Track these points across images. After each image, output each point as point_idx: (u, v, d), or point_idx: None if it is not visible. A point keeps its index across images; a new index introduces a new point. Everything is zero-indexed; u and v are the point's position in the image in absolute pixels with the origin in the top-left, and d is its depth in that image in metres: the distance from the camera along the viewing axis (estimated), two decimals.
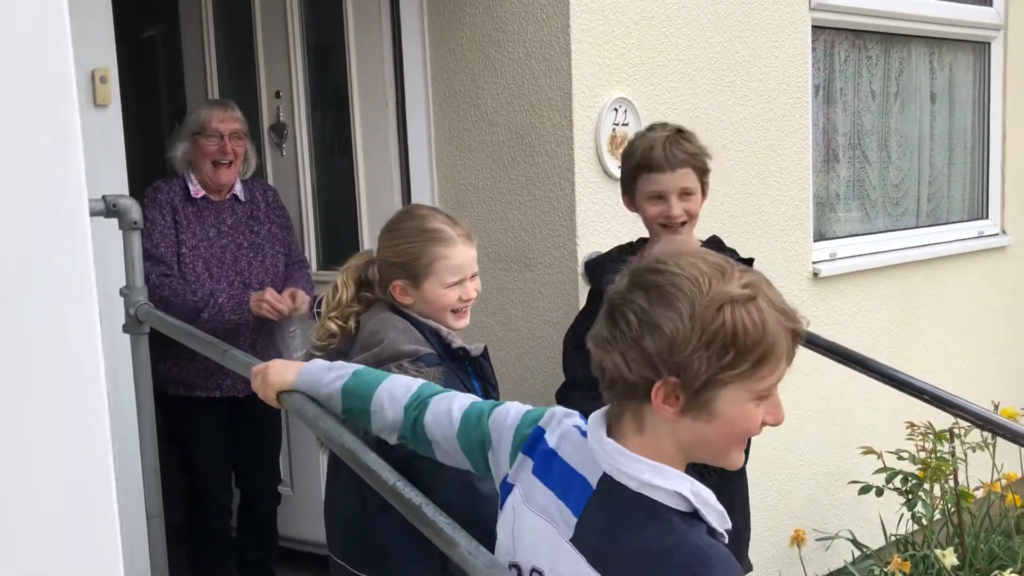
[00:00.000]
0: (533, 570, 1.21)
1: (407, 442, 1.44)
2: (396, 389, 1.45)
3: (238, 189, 2.99)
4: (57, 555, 0.85)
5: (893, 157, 3.90)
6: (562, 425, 1.26)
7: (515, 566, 1.23)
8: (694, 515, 1.14)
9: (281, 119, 3.34)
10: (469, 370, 1.84)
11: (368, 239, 3.16)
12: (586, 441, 1.20)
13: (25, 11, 0.83)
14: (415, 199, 3.03)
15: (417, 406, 1.41)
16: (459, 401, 1.39)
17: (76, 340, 0.82)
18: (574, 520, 1.16)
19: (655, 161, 2.19)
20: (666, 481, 1.13)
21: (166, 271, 2.80)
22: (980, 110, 4.21)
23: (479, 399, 1.42)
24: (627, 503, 1.13)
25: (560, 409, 1.29)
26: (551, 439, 1.24)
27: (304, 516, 3.22)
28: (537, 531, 1.20)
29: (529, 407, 1.34)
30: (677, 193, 2.19)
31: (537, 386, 2.76)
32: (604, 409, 1.21)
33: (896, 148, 3.91)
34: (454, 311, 1.85)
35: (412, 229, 1.85)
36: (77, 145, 0.84)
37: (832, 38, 3.58)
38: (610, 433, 1.18)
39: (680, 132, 2.26)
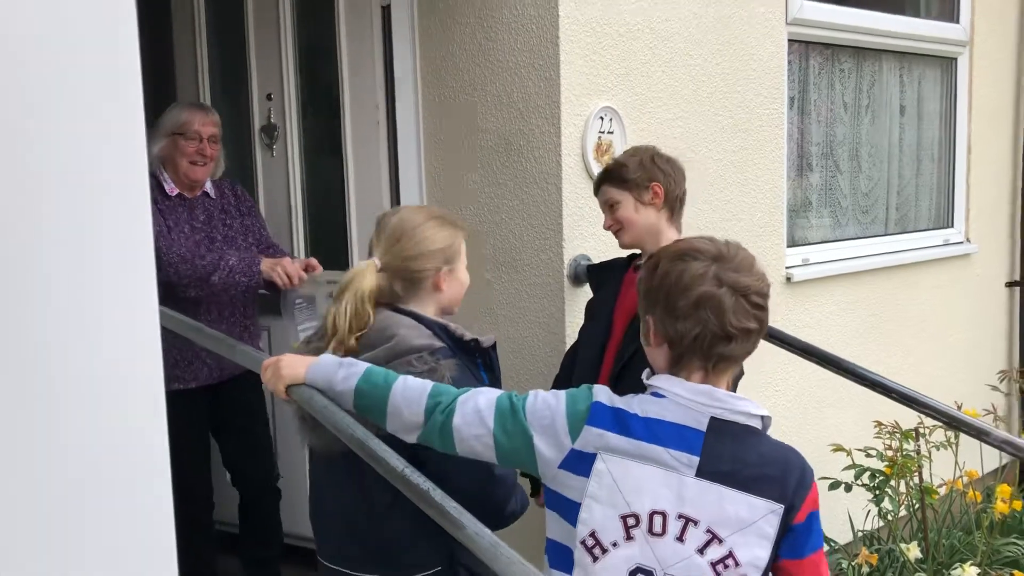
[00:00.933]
0: (654, 512, 1.45)
1: (428, 442, 1.53)
2: (410, 393, 1.55)
3: (208, 187, 3.07)
4: (114, 547, 0.90)
5: (863, 167, 4.04)
6: (623, 398, 1.50)
7: (632, 515, 1.45)
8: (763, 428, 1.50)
9: (272, 121, 3.41)
10: (478, 362, 1.91)
11: (357, 240, 3.24)
12: (669, 400, 1.47)
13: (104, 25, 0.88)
14: (404, 201, 3.11)
15: (444, 411, 1.52)
16: (483, 398, 1.54)
17: (138, 337, 0.89)
18: (696, 459, 1.44)
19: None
20: (759, 409, 1.49)
21: (167, 243, 2.81)
22: (947, 123, 4.37)
23: (497, 391, 1.55)
24: (741, 433, 1.47)
25: (600, 387, 1.53)
26: (634, 408, 1.48)
27: (300, 513, 3.26)
28: (653, 479, 1.44)
29: (567, 392, 1.55)
30: (604, 208, 2.45)
31: (523, 385, 2.85)
32: (669, 375, 1.49)
33: (867, 158, 4.05)
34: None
35: (434, 218, 1.92)
36: (142, 152, 0.91)
37: (807, 51, 3.71)
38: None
39: (619, 156, 2.49)
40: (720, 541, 1.43)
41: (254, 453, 3.17)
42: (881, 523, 3.31)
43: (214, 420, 3.08)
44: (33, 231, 0.82)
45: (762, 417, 1.49)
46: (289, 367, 1.66)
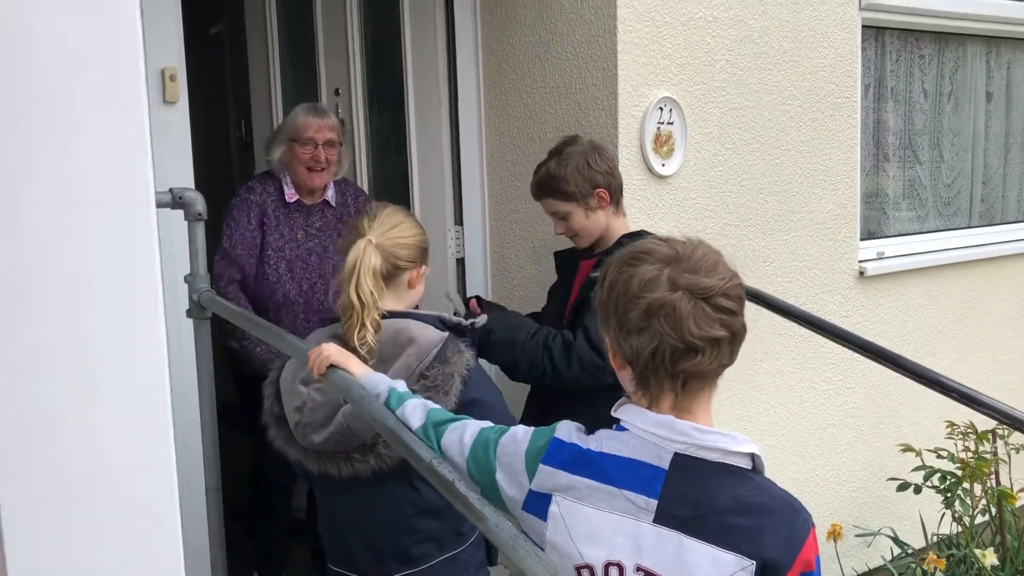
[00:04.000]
0: (609, 564, 1.27)
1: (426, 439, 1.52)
2: (413, 415, 1.54)
3: (330, 194, 3.02)
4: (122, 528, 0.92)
5: (946, 156, 3.88)
6: (585, 435, 1.35)
7: (586, 567, 1.29)
8: (754, 468, 1.28)
9: (340, 115, 3.47)
10: (468, 340, 1.92)
11: None
12: (630, 434, 1.29)
13: (103, 18, 0.91)
14: (465, 195, 3.13)
15: (435, 428, 1.49)
16: (470, 429, 1.46)
17: (142, 326, 0.92)
18: (654, 503, 1.25)
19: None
20: (741, 446, 1.27)
21: (235, 275, 2.86)
22: None
23: (487, 425, 1.47)
24: (711, 473, 1.25)
25: (565, 423, 1.38)
26: (592, 445, 1.32)
27: None
28: (608, 526, 1.27)
29: (535, 428, 1.41)
30: (551, 216, 2.47)
31: None
32: (632, 403, 1.32)
33: (949, 148, 3.89)
34: None
35: (414, 218, 1.97)
36: (145, 143, 0.94)
37: (882, 37, 3.58)
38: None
39: (544, 162, 2.45)
40: None
41: None
42: (959, 528, 3.19)
43: None
44: (33, 237, 0.84)
45: (752, 456, 1.27)
46: (345, 356, 1.69)
